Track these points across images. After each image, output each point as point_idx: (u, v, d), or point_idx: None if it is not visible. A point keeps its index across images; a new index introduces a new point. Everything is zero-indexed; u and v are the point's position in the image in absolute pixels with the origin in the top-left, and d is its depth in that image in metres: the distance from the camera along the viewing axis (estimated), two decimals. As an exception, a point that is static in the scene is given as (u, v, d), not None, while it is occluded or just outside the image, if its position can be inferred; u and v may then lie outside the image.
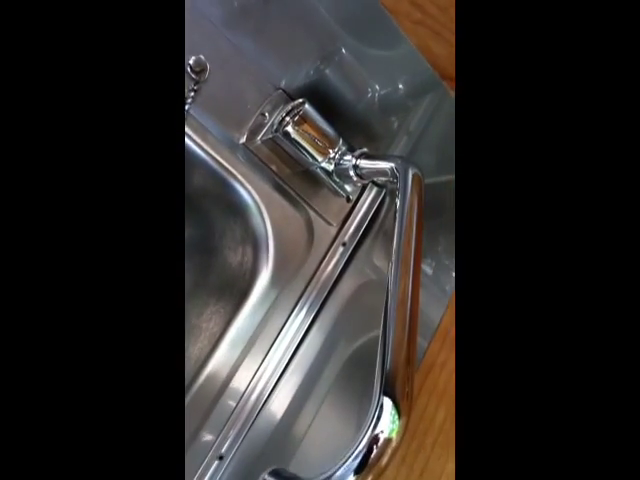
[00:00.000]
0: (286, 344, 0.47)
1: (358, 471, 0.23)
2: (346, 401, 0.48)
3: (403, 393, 0.25)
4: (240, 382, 0.44)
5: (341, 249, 0.51)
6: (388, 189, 0.54)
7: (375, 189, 0.53)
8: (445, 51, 0.35)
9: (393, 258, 0.32)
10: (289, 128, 0.41)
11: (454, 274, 0.49)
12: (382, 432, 0.24)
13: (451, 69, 0.34)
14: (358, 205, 0.51)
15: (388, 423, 0.24)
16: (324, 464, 0.24)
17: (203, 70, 0.41)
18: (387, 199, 0.54)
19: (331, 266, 0.50)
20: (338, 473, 0.23)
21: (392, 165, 0.36)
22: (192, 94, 0.40)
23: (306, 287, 0.48)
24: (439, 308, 0.51)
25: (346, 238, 0.51)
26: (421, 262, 0.34)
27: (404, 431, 0.24)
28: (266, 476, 0.25)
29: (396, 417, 0.24)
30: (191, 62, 0.41)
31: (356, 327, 0.51)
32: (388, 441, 0.23)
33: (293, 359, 0.46)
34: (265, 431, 0.44)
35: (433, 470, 0.29)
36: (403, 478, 0.29)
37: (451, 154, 0.45)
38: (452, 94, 0.36)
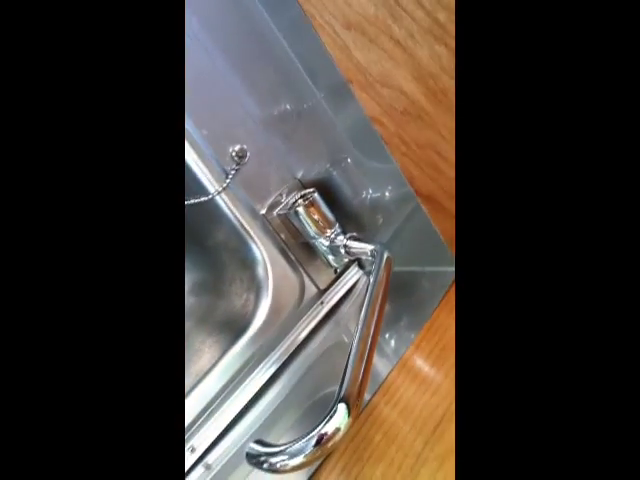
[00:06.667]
0: (260, 381, 0.57)
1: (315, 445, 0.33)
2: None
3: (355, 402, 0.36)
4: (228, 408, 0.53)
5: (320, 307, 0.62)
6: (366, 270, 0.66)
7: (360, 272, 0.66)
8: (420, 174, 0.49)
9: (361, 316, 0.44)
10: (300, 209, 0.54)
11: (411, 342, 0.60)
12: (337, 428, 0.34)
13: (424, 189, 0.48)
14: (342, 277, 0.63)
15: (340, 418, 0.34)
16: None
17: (244, 156, 0.55)
18: (364, 278, 0.67)
19: (311, 321, 0.61)
20: (298, 444, 0.33)
21: (373, 247, 0.49)
22: (233, 172, 0.54)
23: (289, 335, 0.59)
24: (387, 366, 0.60)
25: (326, 299, 0.62)
26: (382, 321, 0.45)
27: (351, 425, 0.34)
28: (251, 444, 0.35)
29: (346, 415, 0.35)
30: (236, 149, 0.54)
31: (322, 378, 0.60)
32: (337, 430, 0.34)
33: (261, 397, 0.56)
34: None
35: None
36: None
37: (420, 251, 0.58)
38: (423, 209, 0.50)
